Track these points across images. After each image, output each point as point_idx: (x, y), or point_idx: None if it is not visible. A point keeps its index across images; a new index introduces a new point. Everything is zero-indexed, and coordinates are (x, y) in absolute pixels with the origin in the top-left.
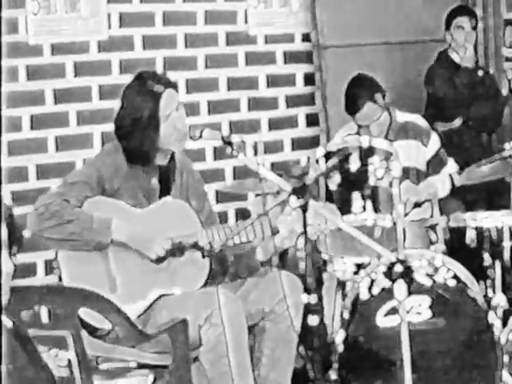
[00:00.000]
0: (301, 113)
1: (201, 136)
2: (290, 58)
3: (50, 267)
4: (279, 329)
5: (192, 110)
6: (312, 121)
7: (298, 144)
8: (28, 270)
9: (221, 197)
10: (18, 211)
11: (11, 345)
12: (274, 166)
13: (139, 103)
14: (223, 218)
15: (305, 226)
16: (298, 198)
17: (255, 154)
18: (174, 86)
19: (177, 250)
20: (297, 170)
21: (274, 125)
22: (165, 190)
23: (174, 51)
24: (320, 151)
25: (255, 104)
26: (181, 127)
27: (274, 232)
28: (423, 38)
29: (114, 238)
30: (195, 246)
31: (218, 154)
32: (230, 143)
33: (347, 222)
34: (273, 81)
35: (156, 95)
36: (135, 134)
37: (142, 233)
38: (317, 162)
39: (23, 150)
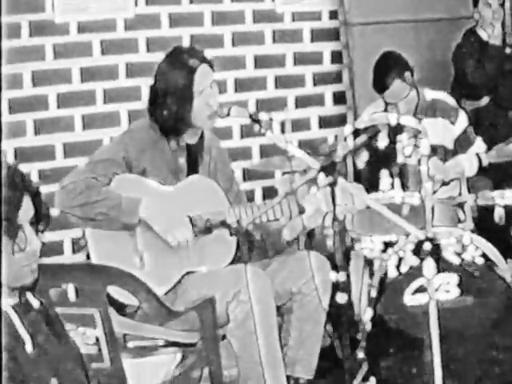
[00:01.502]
0: (328, 91)
1: (228, 114)
2: (317, 35)
3: (77, 245)
4: (307, 309)
5: (219, 87)
6: (339, 99)
7: (325, 122)
8: (55, 248)
9: (248, 175)
10: (45, 189)
11: (38, 324)
12: (301, 144)
13: (174, 76)
14: (250, 196)
15: (333, 203)
16: (327, 175)
17: (283, 131)
18: (209, 62)
19: (204, 228)
20: (324, 148)
21: (301, 103)
22: (192, 170)
23: (200, 29)
24: (348, 129)
25: (282, 82)
26: (213, 104)
27: (301, 211)
28: (451, 16)
29: (141, 217)
30: (223, 223)
31: (245, 131)
32: (257, 121)
33: (375, 199)
34: (300, 59)
35: (191, 69)
36: (168, 106)
37: (167, 216)
38: (345, 139)
39: (50, 129)
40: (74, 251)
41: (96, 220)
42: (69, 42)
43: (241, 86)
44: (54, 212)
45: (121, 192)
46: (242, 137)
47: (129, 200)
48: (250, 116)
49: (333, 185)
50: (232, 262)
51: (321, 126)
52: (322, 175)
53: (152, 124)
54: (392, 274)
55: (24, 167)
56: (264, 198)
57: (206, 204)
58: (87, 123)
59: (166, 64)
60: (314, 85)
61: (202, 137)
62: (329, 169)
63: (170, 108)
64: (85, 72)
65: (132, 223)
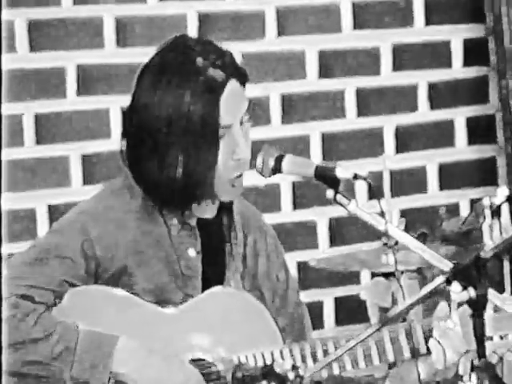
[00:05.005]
0: (458, 116)
1: (278, 169)
2: (436, 10)
3: None
4: None
5: (256, 115)
6: (481, 131)
7: (452, 176)
8: None
9: (308, 276)
10: None
11: None
12: (410, 219)
13: (180, 100)
14: (314, 314)
15: (480, 338)
16: (465, 286)
17: (375, 197)
18: (242, 72)
19: (234, 381)
20: (452, 227)
21: (407, 141)
22: (213, 270)
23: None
24: (502, 193)
25: (372, 100)
26: (243, 155)
27: (422, 351)
28: None
29: (116, 375)
30: (269, 374)
31: (302, 195)
32: (333, 181)
33: None
34: (406, 55)
35: (216, 88)
36: (170, 159)
37: (166, 375)
38: (495, 213)
39: None
40: None
41: (24, 376)
42: None
43: (291, 108)
44: None
45: (77, 320)
46: (295, 206)
47: (92, 340)
48: (317, 172)
49: (479, 303)
50: None
51: (444, 185)
52: (456, 285)
53: (135, 186)
54: None
55: None
56: (338, 319)
57: (238, 338)
58: None
59: (162, 73)
60: (432, 107)
61: (227, 208)
62: (468, 273)
63: (172, 163)
64: None
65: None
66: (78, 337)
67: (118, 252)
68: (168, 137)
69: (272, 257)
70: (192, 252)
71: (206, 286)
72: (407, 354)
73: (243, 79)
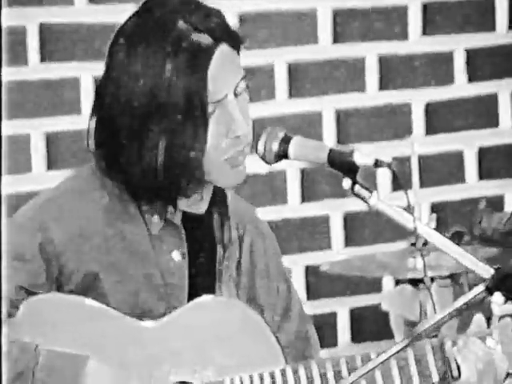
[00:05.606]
0: (503, 91)
1: (284, 154)
2: None
3: None
4: None
5: (257, 88)
6: None
7: (494, 163)
8: None
9: (319, 282)
10: None
11: None
12: (441, 214)
13: (163, 72)
14: (326, 329)
15: None
16: (509, 297)
17: (401, 187)
18: (234, 35)
19: None
20: (493, 223)
21: (440, 118)
22: (201, 277)
23: None
24: None
25: (397, 70)
26: (242, 131)
27: (454, 375)
28: None
29: None
30: None
31: (312, 185)
32: (350, 168)
33: None
34: (435, 17)
35: (201, 56)
36: (151, 143)
37: None
38: None
39: None
40: None
41: None
42: None
43: (299, 76)
44: None
45: (36, 336)
46: (304, 198)
47: (54, 362)
48: (331, 157)
49: None
50: None
51: (484, 174)
52: (498, 295)
53: (105, 178)
54: None
55: None
56: (354, 334)
57: (231, 357)
58: None
59: (138, 40)
60: (470, 79)
61: (219, 200)
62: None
63: (151, 149)
64: None
65: None
66: (38, 359)
67: (85, 255)
68: (146, 117)
69: (272, 262)
70: (176, 255)
71: (192, 296)
72: (436, 377)
73: (236, 43)
